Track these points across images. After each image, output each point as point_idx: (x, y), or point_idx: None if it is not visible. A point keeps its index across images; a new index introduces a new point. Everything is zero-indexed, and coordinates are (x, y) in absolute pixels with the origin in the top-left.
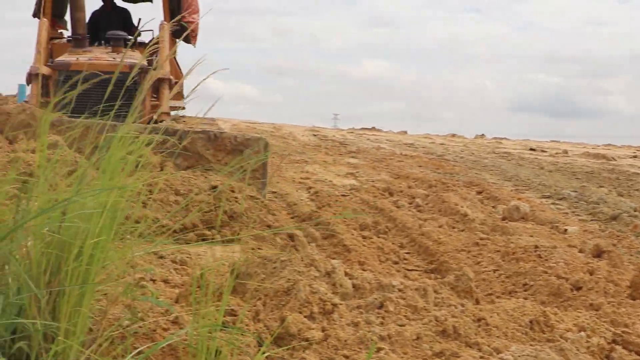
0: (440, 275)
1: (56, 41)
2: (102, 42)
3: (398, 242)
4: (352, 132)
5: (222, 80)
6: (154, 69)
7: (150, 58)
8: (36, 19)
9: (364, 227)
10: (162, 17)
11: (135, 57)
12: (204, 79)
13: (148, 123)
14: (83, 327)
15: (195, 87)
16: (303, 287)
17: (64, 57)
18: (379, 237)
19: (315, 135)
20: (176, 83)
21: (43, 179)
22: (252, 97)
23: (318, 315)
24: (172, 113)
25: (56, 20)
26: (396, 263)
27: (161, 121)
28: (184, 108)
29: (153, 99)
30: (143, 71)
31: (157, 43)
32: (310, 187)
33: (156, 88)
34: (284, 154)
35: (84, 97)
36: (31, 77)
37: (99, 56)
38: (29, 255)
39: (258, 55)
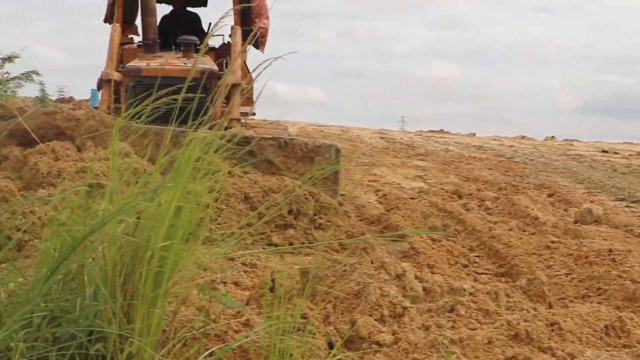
0: (511, 279)
1: (127, 47)
2: (173, 47)
3: (467, 245)
4: (419, 135)
5: (289, 84)
6: (226, 75)
7: (219, 62)
8: (107, 24)
9: (433, 229)
10: (232, 22)
11: (207, 63)
12: (265, 82)
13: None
14: (156, 328)
15: (261, 90)
16: (373, 290)
17: (135, 63)
18: (448, 240)
19: (382, 137)
20: (246, 89)
21: (111, 187)
22: (318, 99)
23: (388, 318)
24: (242, 119)
25: (127, 25)
26: (466, 266)
27: (231, 127)
28: (254, 114)
29: (223, 105)
30: (214, 76)
31: (228, 47)
32: (378, 190)
33: (227, 93)
34: (351, 157)
35: (156, 102)
36: (102, 83)
37: (170, 61)
38: (104, 258)
39: (325, 58)
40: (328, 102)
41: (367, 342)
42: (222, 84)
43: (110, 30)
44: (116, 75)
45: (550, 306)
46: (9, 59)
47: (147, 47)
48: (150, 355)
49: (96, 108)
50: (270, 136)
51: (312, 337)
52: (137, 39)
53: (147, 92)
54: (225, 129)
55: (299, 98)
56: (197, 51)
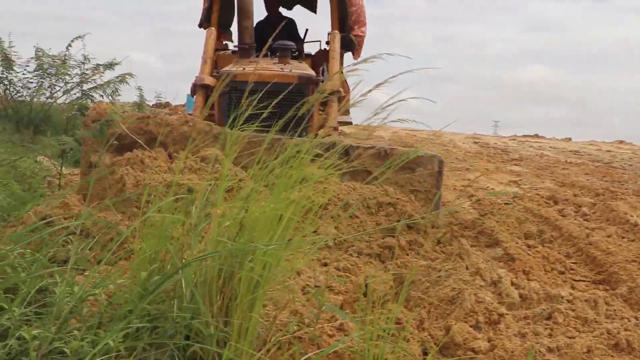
0: (610, 287)
1: (221, 53)
2: (268, 53)
3: (564, 252)
4: (514, 139)
5: (383, 89)
6: (325, 81)
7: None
8: (202, 29)
9: (528, 235)
10: (329, 28)
11: (304, 69)
12: (369, 90)
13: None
14: (253, 332)
15: (361, 98)
16: (468, 296)
17: (230, 68)
18: (544, 247)
19: (476, 142)
20: (344, 97)
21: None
22: (413, 105)
23: (484, 325)
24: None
25: (222, 31)
26: (562, 273)
27: (329, 136)
28: (351, 123)
29: (320, 112)
30: (313, 83)
31: (325, 53)
32: (472, 195)
33: (324, 101)
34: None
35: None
36: (196, 88)
37: (266, 66)
38: (204, 262)
39: (418, 63)
40: (421, 107)
41: (462, 348)
42: (321, 90)
43: (205, 35)
44: (210, 80)
45: None
46: (110, 65)
47: (242, 52)
48: (247, 358)
49: (190, 114)
50: (369, 145)
51: (407, 342)
52: (231, 46)
53: (241, 98)
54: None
55: (391, 100)
56: (293, 57)
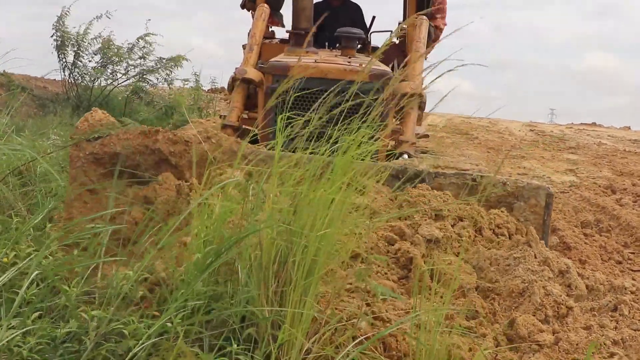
0: None
1: (266, 41)
2: (326, 44)
3: (622, 241)
4: (570, 128)
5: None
6: (404, 81)
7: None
8: (246, 10)
9: (585, 224)
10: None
11: (377, 64)
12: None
13: (387, 153)
14: (308, 316)
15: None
16: (537, 289)
17: (281, 58)
18: (601, 236)
19: (532, 130)
20: (424, 102)
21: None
22: (468, 91)
23: (552, 318)
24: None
25: (272, 12)
26: (619, 263)
27: (403, 153)
28: (427, 136)
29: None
30: (388, 83)
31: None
32: None
33: (401, 107)
34: (500, 149)
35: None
36: (234, 83)
37: (328, 58)
38: (260, 246)
39: (478, 51)
40: (477, 94)
41: (527, 341)
42: (400, 93)
43: (254, 15)
44: (254, 74)
45: None
46: (175, 60)
47: (296, 39)
48: (301, 342)
49: (223, 118)
50: (452, 172)
51: (474, 333)
52: (280, 34)
53: (291, 97)
54: (394, 154)
55: (446, 89)
56: (360, 49)
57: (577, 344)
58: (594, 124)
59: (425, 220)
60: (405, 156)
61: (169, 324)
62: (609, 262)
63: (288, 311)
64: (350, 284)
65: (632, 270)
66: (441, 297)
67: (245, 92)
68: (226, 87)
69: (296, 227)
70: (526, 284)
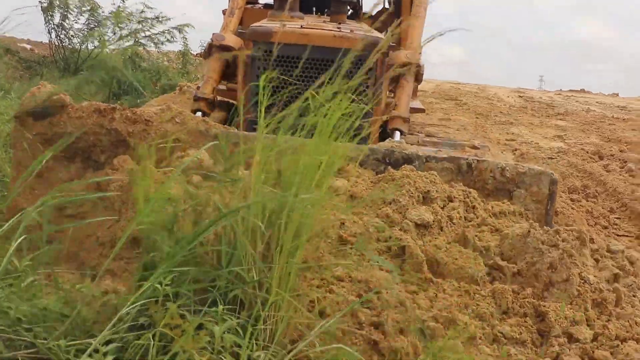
0: None
1: (249, 6)
2: (314, 9)
3: (608, 207)
4: (559, 94)
5: (431, 43)
6: (399, 50)
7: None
8: None
9: (572, 190)
10: None
11: (369, 31)
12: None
13: (380, 130)
14: (294, 278)
15: None
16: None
17: (263, 23)
18: (587, 201)
19: (520, 96)
20: (421, 73)
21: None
22: (458, 58)
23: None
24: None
25: None
26: (605, 228)
27: (395, 130)
28: (423, 110)
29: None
30: (380, 51)
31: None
32: (515, 149)
33: (395, 78)
34: (489, 115)
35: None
36: (211, 50)
37: (315, 24)
38: (248, 211)
39: (468, 16)
40: (467, 60)
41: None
42: (394, 63)
43: None
44: (234, 41)
45: None
46: (158, 19)
47: (280, 3)
48: (287, 304)
49: (197, 89)
50: (444, 156)
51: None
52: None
53: (274, 66)
54: (385, 128)
55: (439, 57)
56: (351, 15)
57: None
58: (582, 90)
59: (413, 203)
60: (397, 135)
61: (158, 287)
62: (595, 227)
63: (274, 273)
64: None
65: (618, 235)
66: (444, 290)
67: (222, 61)
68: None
69: (282, 189)
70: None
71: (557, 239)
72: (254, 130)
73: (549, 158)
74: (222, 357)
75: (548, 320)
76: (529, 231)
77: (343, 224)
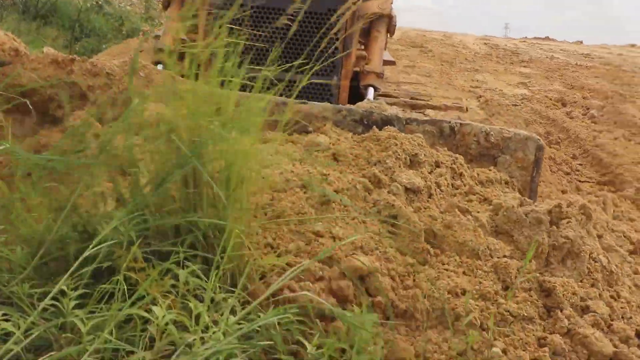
0: (614, 188)
1: None
2: None
3: (570, 153)
4: (524, 42)
5: None
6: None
7: None
8: None
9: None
10: None
11: None
12: None
13: (351, 86)
14: (247, 214)
15: None
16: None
17: None
18: (550, 148)
19: (486, 44)
20: (394, 25)
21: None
22: (424, 5)
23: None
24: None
25: None
26: (568, 174)
27: (369, 86)
28: (394, 63)
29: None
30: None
31: None
32: (480, 96)
33: (365, 30)
34: (454, 62)
35: (252, 36)
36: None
37: None
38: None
39: None
40: (434, 8)
41: None
42: (363, 13)
43: None
44: None
45: None
46: None
47: None
48: (239, 242)
49: (157, 38)
50: (425, 118)
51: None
52: None
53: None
54: (358, 84)
55: (405, 4)
56: None
57: None
58: (547, 38)
59: (400, 166)
60: (370, 92)
61: (121, 228)
62: (558, 174)
63: (228, 211)
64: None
65: (580, 181)
66: (445, 264)
67: (180, 5)
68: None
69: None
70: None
71: (563, 212)
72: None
73: (512, 105)
74: (187, 300)
75: (555, 295)
76: (521, 203)
77: (326, 177)
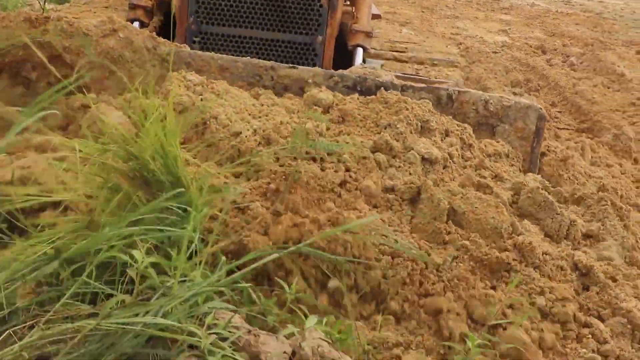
0: (592, 135)
1: None
2: None
3: (549, 100)
4: None
5: None
6: None
7: None
8: None
9: (515, 84)
10: None
11: None
12: None
13: (337, 45)
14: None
15: None
16: None
17: None
18: (530, 95)
19: None
20: None
21: None
22: None
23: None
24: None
25: None
26: (547, 121)
27: (357, 47)
28: (379, 17)
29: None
30: None
31: None
32: (460, 43)
33: None
34: (434, 9)
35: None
36: None
37: None
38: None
39: None
40: None
41: None
42: None
43: None
44: None
45: (636, 162)
46: None
47: None
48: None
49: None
50: (422, 85)
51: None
52: None
53: None
54: (345, 44)
55: None
56: None
57: None
58: None
59: (411, 132)
60: (359, 53)
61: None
62: None
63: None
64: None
65: (558, 128)
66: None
67: None
68: None
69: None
70: None
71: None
72: (194, 42)
73: (493, 52)
74: (165, 247)
75: (593, 274)
76: (538, 187)
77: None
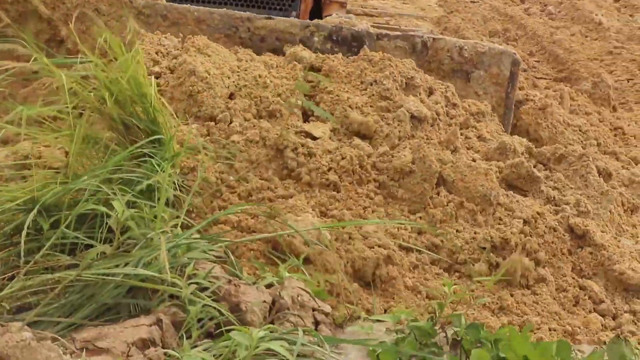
0: (570, 84)
1: None
2: None
3: (527, 50)
4: None
5: None
6: None
7: None
8: None
9: (493, 33)
10: None
11: None
12: None
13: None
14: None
15: None
16: None
17: None
18: (508, 44)
19: None
20: None
21: None
22: None
23: None
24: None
25: None
26: (524, 71)
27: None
28: None
29: None
30: None
31: None
32: None
33: None
34: None
35: None
36: None
37: None
38: None
39: None
40: None
41: None
42: None
43: None
44: None
45: (615, 109)
46: None
47: None
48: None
49: None
50: (397, 34)
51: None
52: None
53: None
54: (320, 11)
55: None
56: None
57: None
58: None
59: (396, 88)
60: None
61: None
62: None
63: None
64: None
65: (536, 78)
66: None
67: None
68: None
69: None
70: None
71: None
72: None
73: (471, 2)
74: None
75: (589, 237)
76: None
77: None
